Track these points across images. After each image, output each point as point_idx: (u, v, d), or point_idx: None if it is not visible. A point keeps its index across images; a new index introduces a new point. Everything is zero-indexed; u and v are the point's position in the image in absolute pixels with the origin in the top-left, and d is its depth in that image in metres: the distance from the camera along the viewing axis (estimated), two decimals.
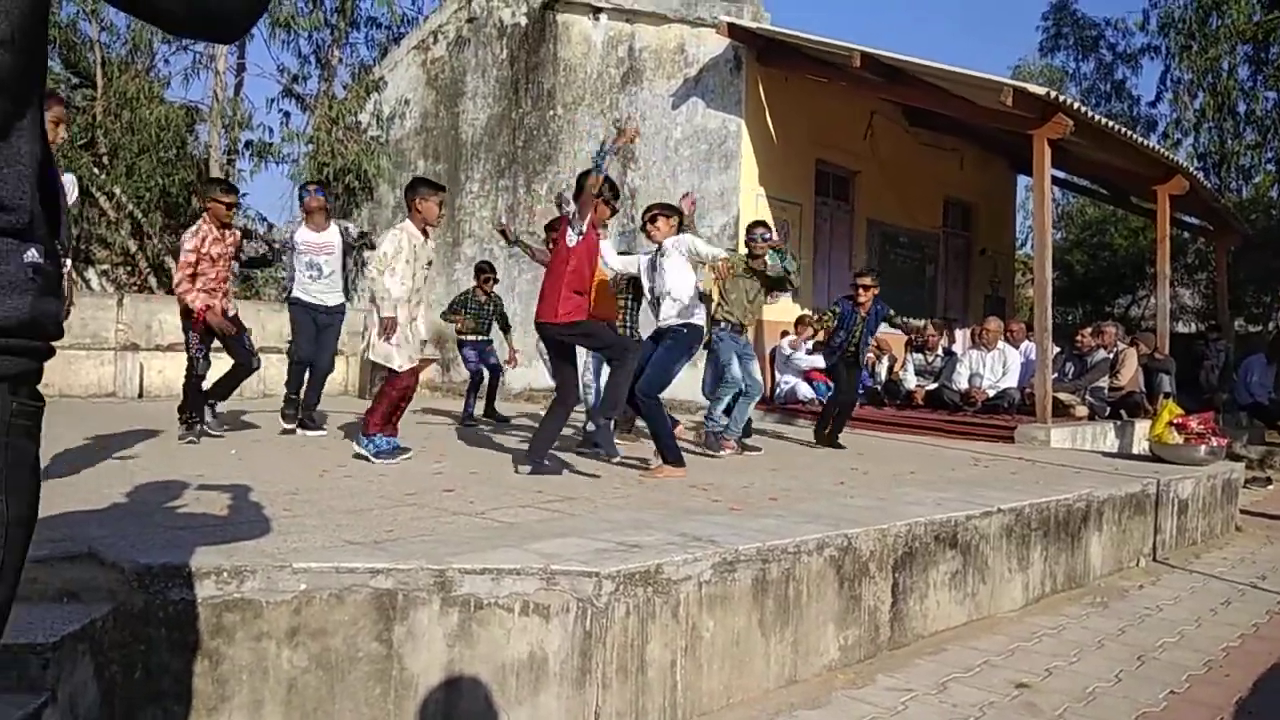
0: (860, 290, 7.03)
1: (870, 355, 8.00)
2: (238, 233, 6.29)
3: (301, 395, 6.76)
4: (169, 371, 9.95)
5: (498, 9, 12.79)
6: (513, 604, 2.59)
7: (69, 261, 3.79)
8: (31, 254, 0.87)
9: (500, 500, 3.92)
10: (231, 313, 6.12)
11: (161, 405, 7.80)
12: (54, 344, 0.99)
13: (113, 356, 9.85)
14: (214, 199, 6.05)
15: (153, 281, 15.00)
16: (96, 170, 14.23)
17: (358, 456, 5.24)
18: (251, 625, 2.43)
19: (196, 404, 5.94)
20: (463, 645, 2.56)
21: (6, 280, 0.84)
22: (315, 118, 14.53)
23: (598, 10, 11.64)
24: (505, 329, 8.71)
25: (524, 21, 12.51)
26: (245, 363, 6.15)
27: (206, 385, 6.07)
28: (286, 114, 15.01)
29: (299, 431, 6.60)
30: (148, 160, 13.96)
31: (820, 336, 8.79)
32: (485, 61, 12.98)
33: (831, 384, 7.87)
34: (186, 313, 5.92)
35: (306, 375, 6.75)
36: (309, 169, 14.17)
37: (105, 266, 15.42)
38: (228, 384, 6.24)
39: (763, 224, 6.79)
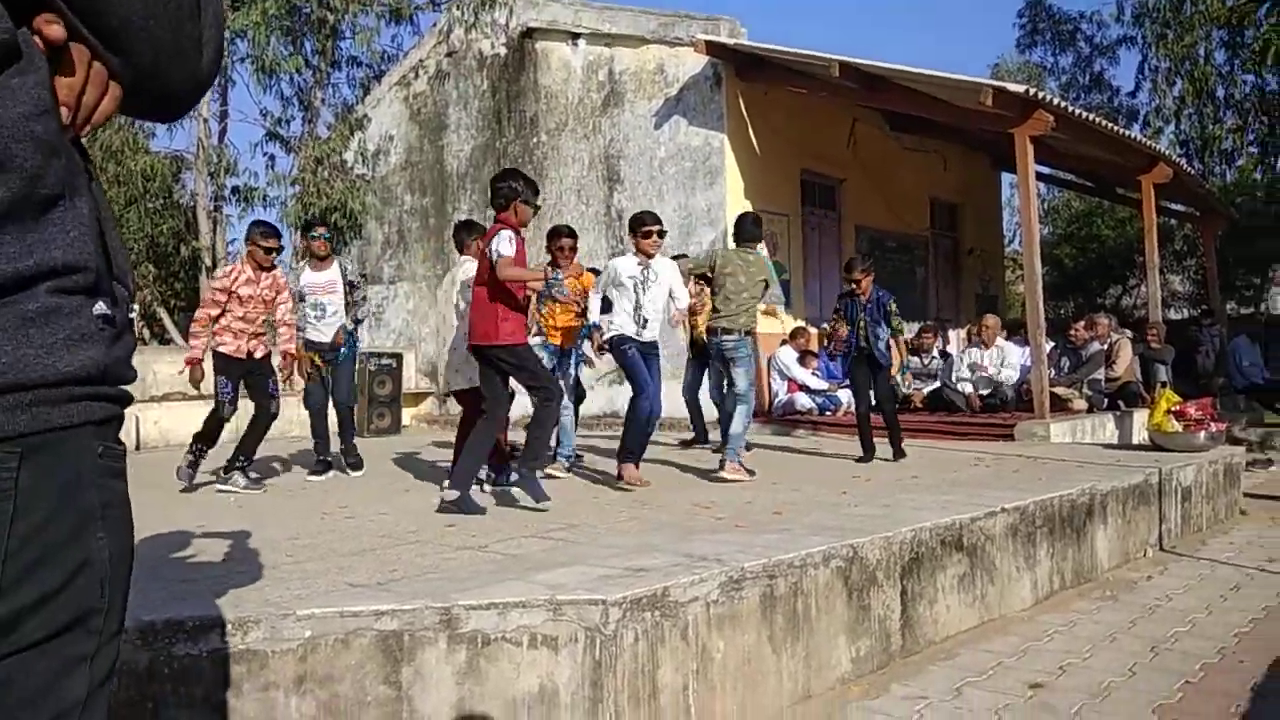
0: (855, 284, 6.73)
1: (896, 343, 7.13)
2: (279, 278, 6.11)
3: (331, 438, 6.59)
4: (165, 422, 9.92)
5: (476, 41, 12.88)
6: (520, 637, 2.58)
7: (136, 307, 3.79)
8: (100, 306, 0.93)
9: (503, 532, 3.91)
10: (260, 354, 5.95)
11: (159, 456, 7.77)
12: (128, 389, 1.03)
13: None
14: (254, 243, 5.94)
15: (145, 333, 15.01)
16: None
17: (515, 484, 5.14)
18: (258, 676, 2.41)
19: (211, 437, 5.88)
20: (472, 682, 2.55)
21: (81, 334, 0.89)
22: (300, 159, 14.59)
23: (576, 36, 11.73)
24: None
25: (503, 51, 12.59)
26: (265, 406, 5.92)
27: (233, 438, 5.98)
28: (271, 157, 15.05)
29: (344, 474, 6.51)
30: (135, 211, 14.01)
31: (834, 342, 8.93)
32: (467, 93, 13.06)
33: (852, 393, 7.43)
34: (214, 357, 5.84)
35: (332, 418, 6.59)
36: (295, 210, 14.20)
37: None
38: (253, 437, 5.95)
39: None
